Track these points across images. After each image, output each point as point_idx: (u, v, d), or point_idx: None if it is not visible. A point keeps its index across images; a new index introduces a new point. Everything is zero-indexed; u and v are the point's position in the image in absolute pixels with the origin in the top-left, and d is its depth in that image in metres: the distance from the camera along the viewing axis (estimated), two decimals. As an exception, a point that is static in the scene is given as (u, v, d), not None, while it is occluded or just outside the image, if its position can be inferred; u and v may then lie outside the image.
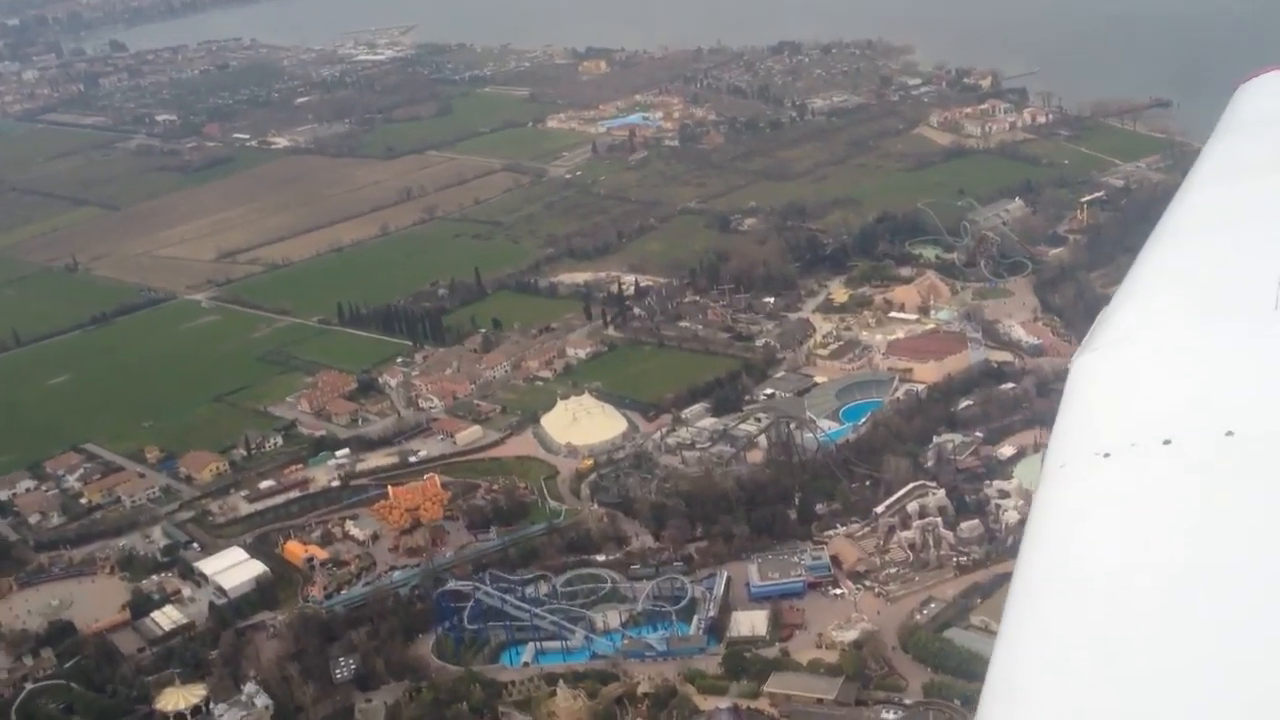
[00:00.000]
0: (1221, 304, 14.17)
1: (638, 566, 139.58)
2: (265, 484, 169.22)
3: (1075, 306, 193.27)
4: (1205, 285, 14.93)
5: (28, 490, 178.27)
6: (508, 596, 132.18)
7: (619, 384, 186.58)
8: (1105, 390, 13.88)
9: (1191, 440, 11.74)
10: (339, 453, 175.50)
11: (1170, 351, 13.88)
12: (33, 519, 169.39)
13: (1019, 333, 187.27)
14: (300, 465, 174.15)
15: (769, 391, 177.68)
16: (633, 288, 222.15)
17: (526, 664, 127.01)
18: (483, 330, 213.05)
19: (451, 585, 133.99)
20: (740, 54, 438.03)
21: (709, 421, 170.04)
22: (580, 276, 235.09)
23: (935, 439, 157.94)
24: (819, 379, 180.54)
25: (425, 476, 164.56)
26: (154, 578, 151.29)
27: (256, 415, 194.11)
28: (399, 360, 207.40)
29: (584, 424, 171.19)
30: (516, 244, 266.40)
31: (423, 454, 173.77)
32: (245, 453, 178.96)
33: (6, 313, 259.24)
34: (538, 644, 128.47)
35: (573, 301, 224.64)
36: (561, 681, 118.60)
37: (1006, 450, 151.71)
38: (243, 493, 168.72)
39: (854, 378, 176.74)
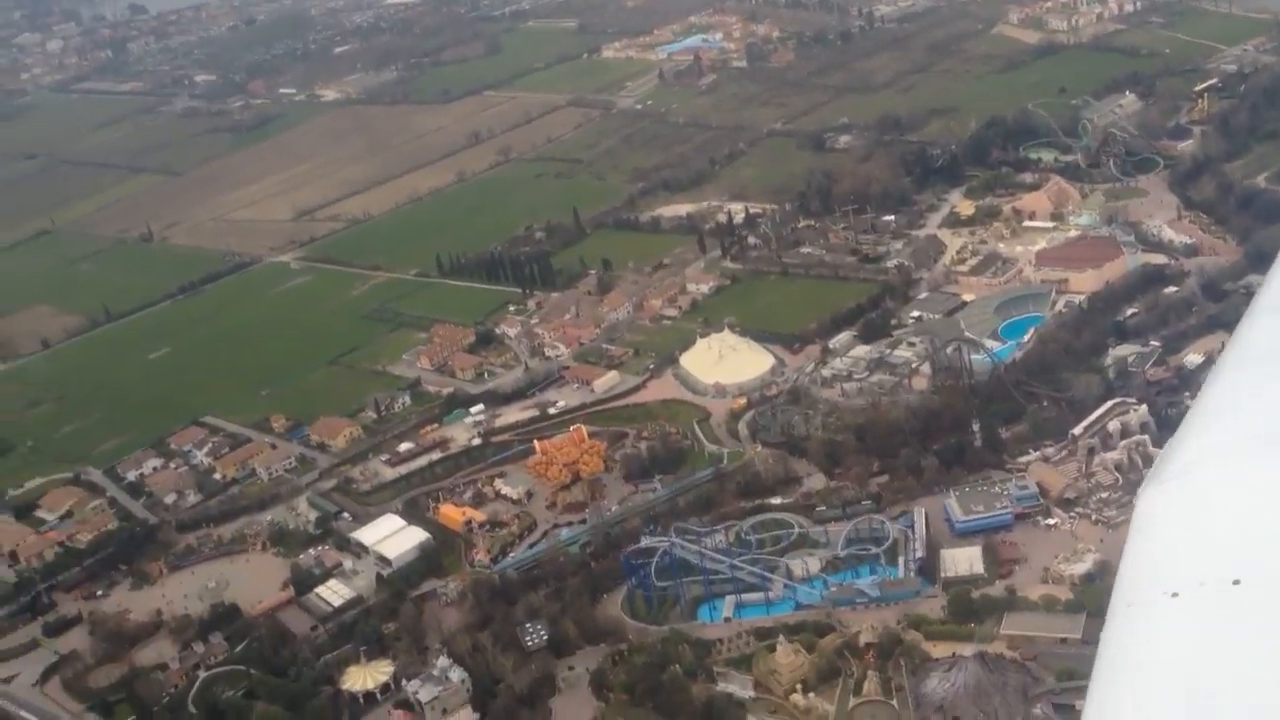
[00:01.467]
0: None
1: (823, 509, 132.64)
2: (404, 447, 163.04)
3: (1219, 201, 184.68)
4: (1271, 418, 14.40)
5: (155, 469, 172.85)
6: (704, 549, 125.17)
7: (751, 317, 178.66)
8: (1173, 526, 13.53)
9: (1260, 580, 11.50)
10: (473, 409, 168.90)
11: (1237, 487, 13.44)
12: (168, 499, 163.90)
13: (1168, 233, 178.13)
14: (435, 425, 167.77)
15: (916, 314, 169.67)
16: (742, 217, 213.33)
17: (728, 619, 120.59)
18: (592, 271, 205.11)
19: (645, 541, 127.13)
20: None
21: (861, 350, 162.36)
22: (681, 209, 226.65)
23: (1110, 352, 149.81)
24: (966, 297, 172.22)
25: (571, 428, 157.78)
26: (310, 552, 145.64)
27: (375, 376, 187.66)
28: (511, 309, 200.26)
29: (729, 361, 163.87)
30: (602, 181, 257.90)
31: (561, 404, 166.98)
32: (375, 415, 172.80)
33: (91, 288, 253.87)
34: (737, 597, 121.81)
35: (678, 235, 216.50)
36: (782, 637, 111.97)
37: (1194, 358, 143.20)
38: (382, 457, 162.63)
39: (1009, 293, 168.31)
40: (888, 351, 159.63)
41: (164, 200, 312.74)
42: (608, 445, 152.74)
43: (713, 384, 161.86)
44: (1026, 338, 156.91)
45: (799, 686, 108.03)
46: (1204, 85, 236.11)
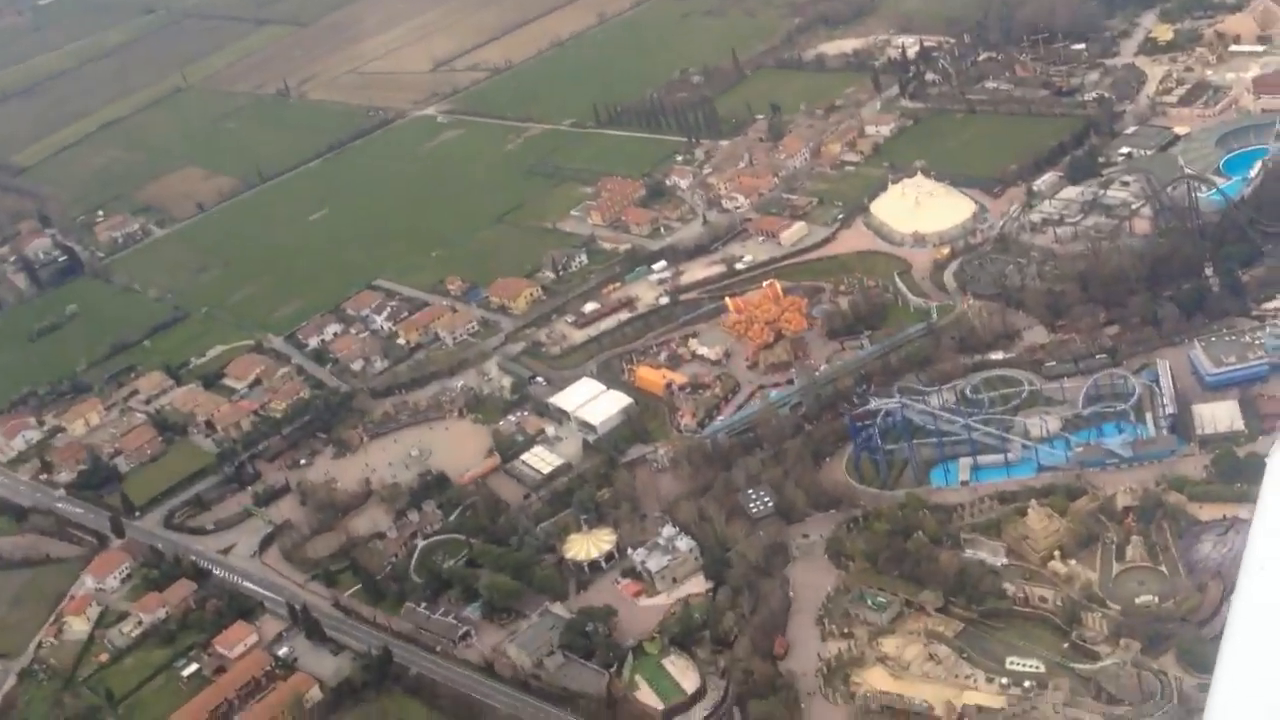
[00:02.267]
0: None
1: (1053, 364, 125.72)
2: (589, 307, 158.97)
3: None
4: None
5: (335, 335, 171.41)
6: (935, 409, 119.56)
7: (941, 160, 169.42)
8: None
9: None
10: (655, 266, 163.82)
11: None
12: (355, 365, 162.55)
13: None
14: (618, 283, 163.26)
15: (1125, 150, 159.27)
16: (916, 50, 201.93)
17: (965, 482, 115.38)
18: (760, 117, 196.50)
19: (874, 403, 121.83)
20: None
21: (1070, 192, 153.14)
22: (846, 45, 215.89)
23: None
24: (1179, 130, 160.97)
25: (764, 283, 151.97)
26: (510, 418, 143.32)
27: (545, 233, 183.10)
28: (679, 159, 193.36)
29: (926, 208, 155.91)
30: (754, 18, 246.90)
31: (748, 259, 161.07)
32: (553, 275, 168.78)
33: (236, 147, 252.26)
34: (973, 459, 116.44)
35: (846, 74, 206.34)
36: (1034, 501, 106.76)
37: None
38: (568, 318, 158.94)
39: (1229, 124, 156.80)
40: (1101, 192, 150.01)
41: (294, 53, 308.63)
42: (806, 301, 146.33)
43: (911, 233, 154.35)
44: (1254, 172, 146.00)
45: (1056, 553, 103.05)
46: None
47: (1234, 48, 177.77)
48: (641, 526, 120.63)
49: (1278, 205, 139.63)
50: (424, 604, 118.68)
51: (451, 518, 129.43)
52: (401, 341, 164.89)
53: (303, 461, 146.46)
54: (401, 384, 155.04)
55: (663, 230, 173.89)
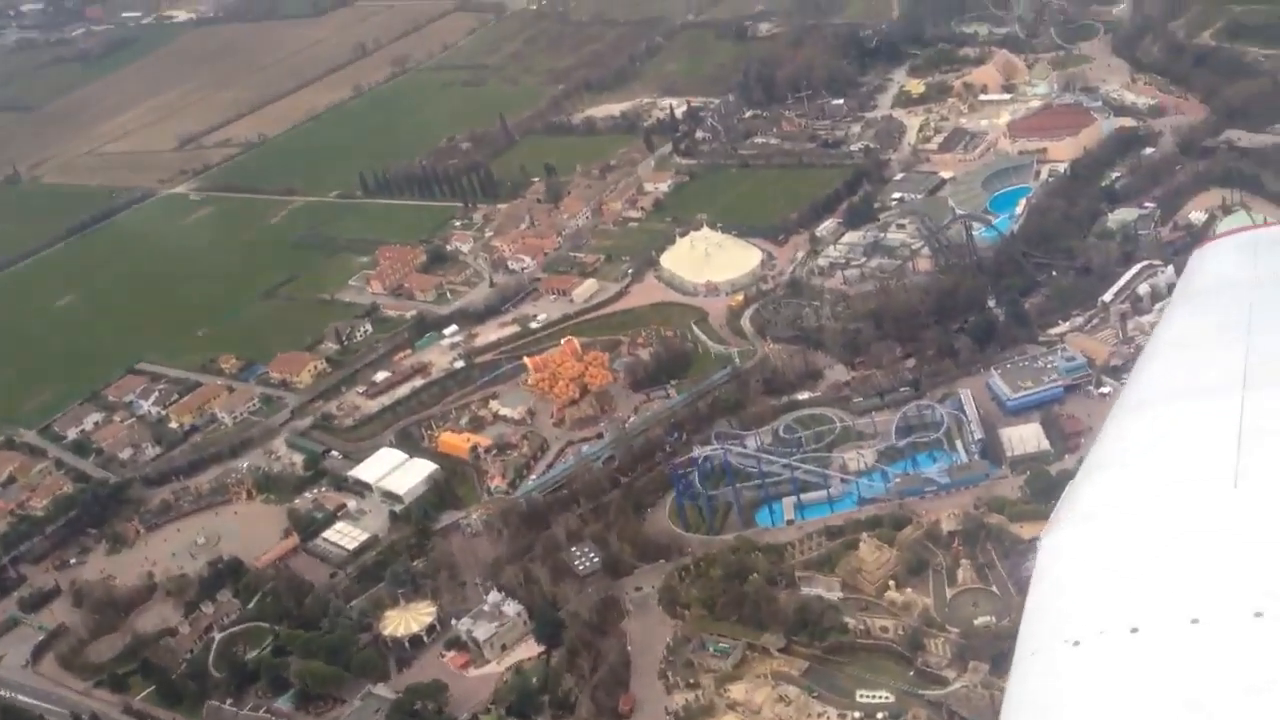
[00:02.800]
0: (1182, 483, 13.79)
1: (859, 399, 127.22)
2: (381, 376, 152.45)
3: (1171, 61, 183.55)
4: (1165, 463, 14.55)
5: (97, 424, 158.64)
6: (764, 453, 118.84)
7: (722, 212, 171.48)
8: (1073, 573, 13.69)
9: (1158, 629, 11.72)
10: (446, 331, 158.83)
11: (1134, 533, 13.61)
12: (123, 454, 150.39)
13: (1128, 96, 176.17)
14: (408, 350, 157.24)
15: (898, 195, 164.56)
16: (683, 111, 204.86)
17: (791, 521, 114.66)
18: (536, 179, 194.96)
19: (699, 451, 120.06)
20: None
21: (852, 236, 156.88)
22: (613, 108, 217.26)
23: (1110, 216, 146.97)
24: (944, 174, 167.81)
25: (562, 341, 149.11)
26: (306, 496, 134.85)
27: (323, 305, 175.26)
28: (457, 224, 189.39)
29: (717, 259, 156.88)
30: (517, 85, 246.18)
31: (542, 318, 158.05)
32: (338, 346, 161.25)
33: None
34: (796, 497, 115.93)
35: (615, 135, 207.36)
36: (865, 534, 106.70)
37: (1197, 215, 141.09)
38: (359, 389, 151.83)
39: (991, 166, 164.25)
40: (881, 235, 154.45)
41: (23, 138, 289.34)
42: (607, 355, 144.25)
43: (703, 283, 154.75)
44: (1019, 209, 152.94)
45: (890, 583, 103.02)
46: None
47: (983, 97, 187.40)
48: (462, 595, 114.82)
49: (1046, 239, 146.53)
50: (229, 700, 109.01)
51: (251, 605, 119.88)
52: (174, 425, 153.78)
53: (73, 561, 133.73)
54: (178, 469, 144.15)
55: (449, 295, 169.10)
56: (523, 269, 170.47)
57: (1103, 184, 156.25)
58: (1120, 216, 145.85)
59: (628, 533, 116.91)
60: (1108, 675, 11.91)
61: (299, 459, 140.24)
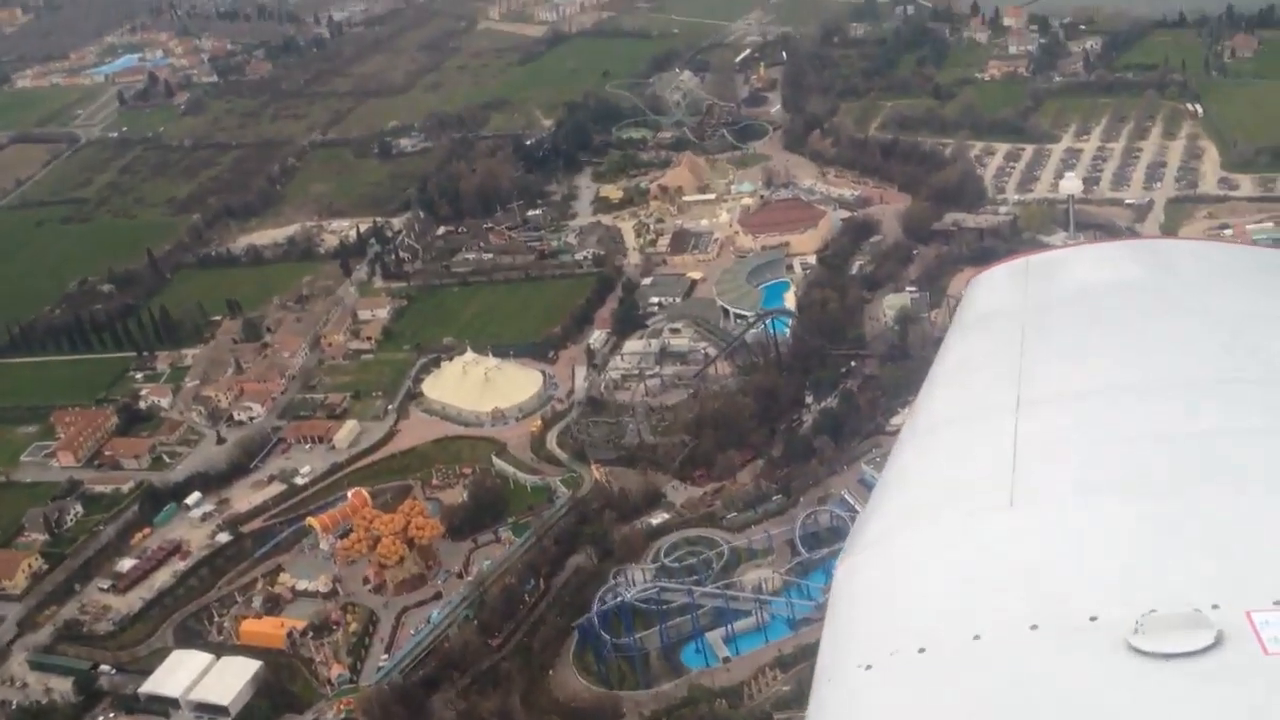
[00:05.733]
0: (963, 505, 14.24)
1: (733, 515, 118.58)
2: (127, 565, 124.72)
3: (856, 154, 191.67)
4: (948, 486, 15.12)
5: None
6: (665, 587, 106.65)
7: (469, 332, 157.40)
8: (865, 599, 14.01)
9: (943, 648, 12.19)
10: (189, 500, 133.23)
11: (921, 556, 14.03)
12: None
13: (832, 189, 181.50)
14: (147, 529, 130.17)
15: (655, 300, 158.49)
16: (367, 231, 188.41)
17: (727, 659, 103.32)
18: (217, 317, 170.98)
19: (613, 602, 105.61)
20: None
21: (635, 345, 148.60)
22: (274, 234, 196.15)
23: (884, 303, 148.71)
24: (693, 275, 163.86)
25: (349, 493, 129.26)
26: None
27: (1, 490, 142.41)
28: (139, 375, 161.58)
29: (498, 383, 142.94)
30: (134, 218, 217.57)
31: (307, 470, 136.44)
32: (47, 536, 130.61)
33: None
34: (726, 630, 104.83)
35: (289, 264, 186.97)
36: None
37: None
38: (100, 584, 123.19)
39: (746, 263, 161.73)
40: (667, 342, 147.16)
41: None
42: (425, 504, 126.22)
43: (489, 411, 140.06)
44: (790, 303, 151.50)
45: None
46: (742, 56, 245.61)
47: (687, 198, 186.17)
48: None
49: (825, 330, 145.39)
50: None
51: None
52: None
53: None
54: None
55: (167, 458, 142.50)
56: (252, 419, 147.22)
57: (856, 273, 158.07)
58: (893, 302, 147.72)
59: (542, 702, 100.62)
60: (898, 696, 12.07)
61: (61, 682, 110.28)
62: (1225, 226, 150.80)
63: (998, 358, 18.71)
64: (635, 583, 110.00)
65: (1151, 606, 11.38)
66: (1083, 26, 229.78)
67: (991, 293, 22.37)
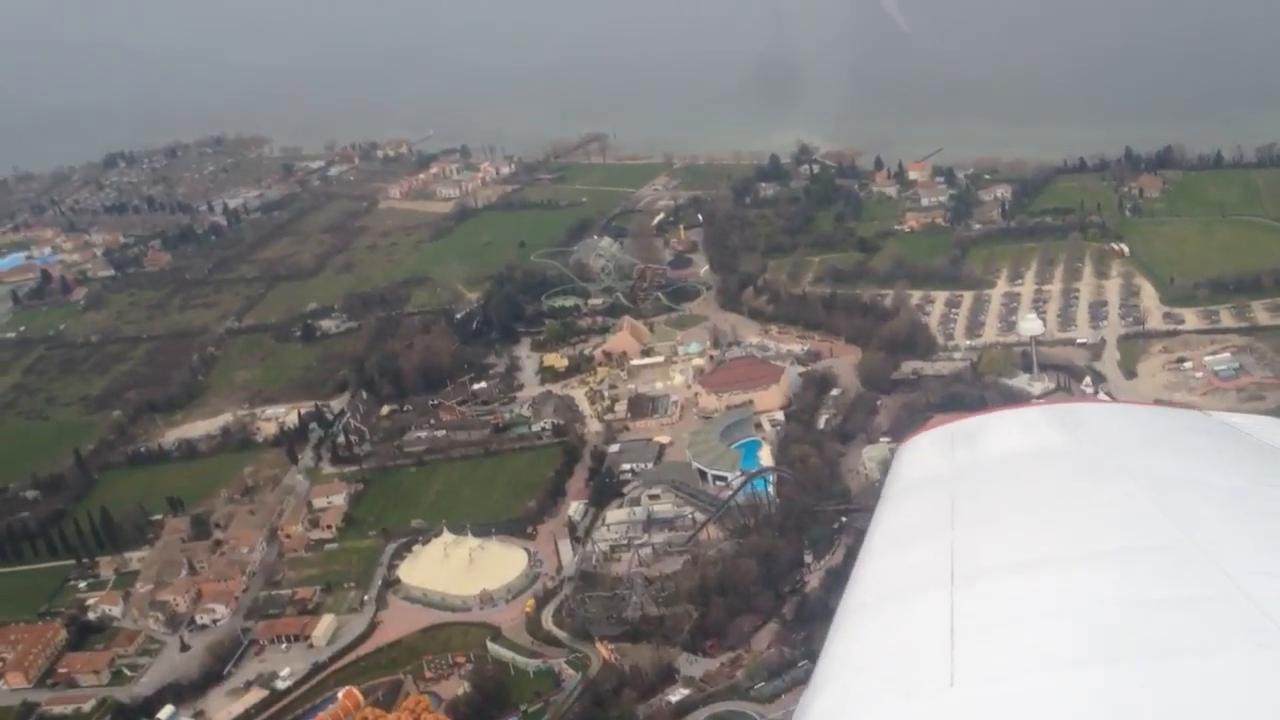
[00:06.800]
0: (904, 687, 14.85)
1: (761, 685, 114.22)
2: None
3: (798, 309, 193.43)
4: (886, 667, 15.76)
5: None
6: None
7: (435, 514, 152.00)
8: None
9: None
10: (163, 715, 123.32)
11: None
12: None
13: (781, 345, 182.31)
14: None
15: (628, 466, 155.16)
16: (309, 416, 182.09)
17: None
18: (157, 517, 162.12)
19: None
20: (66, 174, 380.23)
21: (619, 514, 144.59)
22: (206, 426, 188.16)
23: (864, 454, 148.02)
24: (660, 439, 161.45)
25: (340, 693, 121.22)
26: None
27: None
28: (83, 584, 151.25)
29: (481, 564, 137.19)
30: (46, 420, 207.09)
31: (287, 673, 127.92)
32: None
33: None
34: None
35: (226, 455, 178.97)
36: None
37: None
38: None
39: (715, 423, 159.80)
40: (652, 509, 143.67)
41: None
42: (427, 698, 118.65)
43: (476, 594, 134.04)
44: (766, 460, 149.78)
45: None
46: (658, 220, 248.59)
47: (635, 362, 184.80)
48: None
49: (820, 486, 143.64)
50: None
51: None
52: None
53: None
54: None
55: (128, 671, 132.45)
56: (216, 621, 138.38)
57: (823, 428, 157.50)
58: (873, 453, 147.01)
59: None
60: None
61: None
62: (1183, 360, 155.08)
63: (928, 529, 18.84)
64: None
65: None
66: (987, 176, 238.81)
67: (918, 461, 22.88)
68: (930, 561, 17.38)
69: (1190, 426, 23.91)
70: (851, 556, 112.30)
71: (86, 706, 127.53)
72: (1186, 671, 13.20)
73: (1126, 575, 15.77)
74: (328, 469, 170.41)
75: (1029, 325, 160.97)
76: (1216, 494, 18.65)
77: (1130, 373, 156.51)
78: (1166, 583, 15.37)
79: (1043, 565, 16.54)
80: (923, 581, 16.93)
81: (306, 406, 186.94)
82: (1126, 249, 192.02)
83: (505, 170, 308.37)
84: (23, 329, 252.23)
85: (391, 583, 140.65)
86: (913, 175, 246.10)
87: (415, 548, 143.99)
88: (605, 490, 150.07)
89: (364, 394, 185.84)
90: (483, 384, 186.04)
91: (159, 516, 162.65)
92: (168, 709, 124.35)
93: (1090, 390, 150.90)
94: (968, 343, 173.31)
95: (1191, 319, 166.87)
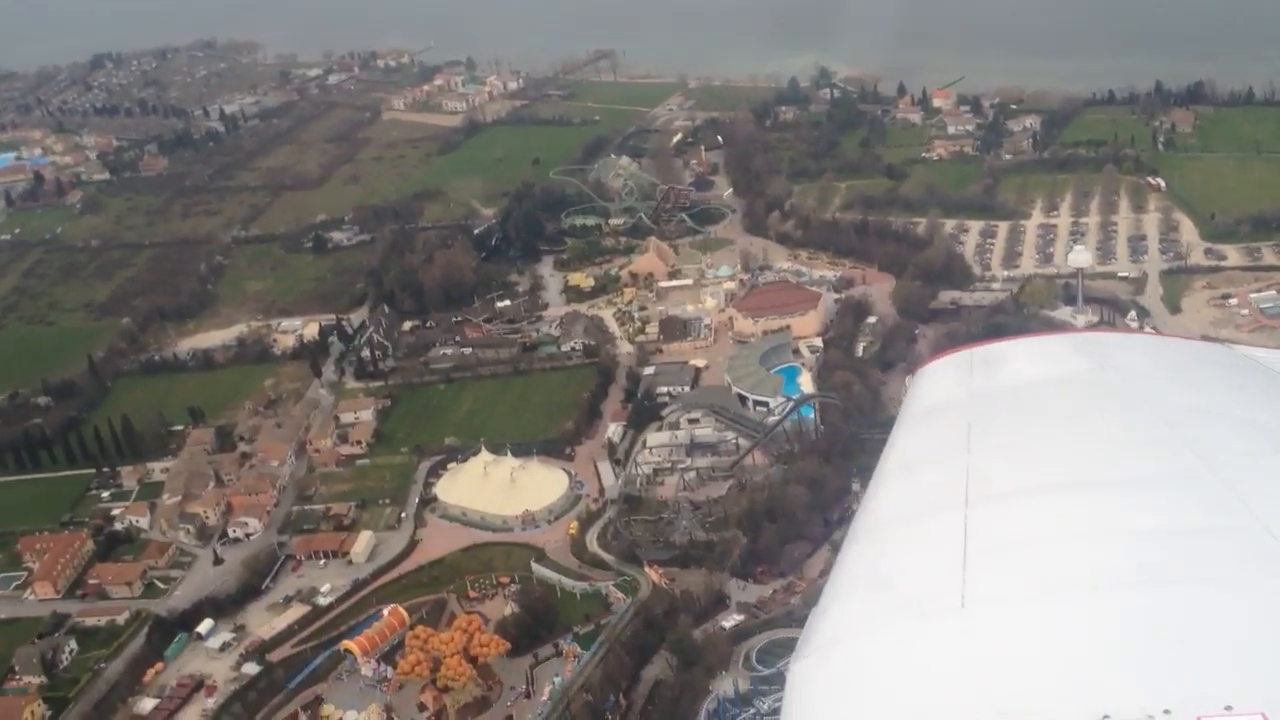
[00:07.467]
0: (914, 606, 14.71)
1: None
2: (148, 706, 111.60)
3: (827, 236, 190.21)
4: (898, 586, 15.57)
5: None
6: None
7: (469, 432, 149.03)
8: (820, 701, 14.41)
9: None
10: (202, 629, 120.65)
11: (873, 658, 14.51)
12: None
13: (814, 271, 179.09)
14: (160, 664, 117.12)
15: (664, 389, 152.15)
16: (330, 330, 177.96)
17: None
18: (179, 427, 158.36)
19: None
20: (51, 74, 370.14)
21: (661, 437, 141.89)
22: (221, 336, 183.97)
23: (907, 381, 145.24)
24: (696, 363, 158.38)
25: (385, 610, 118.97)
26: None
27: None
28: (105, 494, 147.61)
29: (523, 484, 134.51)
30: (51, 325, 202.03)
31: (328, 589, 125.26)
32: (43, 679, 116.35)
33: None
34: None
35: (243, 367, 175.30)
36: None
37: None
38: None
39: (758, 346, 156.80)
40: (694, 432, 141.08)
41: None
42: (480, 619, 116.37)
43: (518, 515, 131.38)
44: (805, 387, 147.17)
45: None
46: (676, 140, 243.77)
47: (664, 284, 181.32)
48: None
49: (863, 412, 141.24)
50: None
51: None
52: None
53: None
54: None
55: (160, 584, 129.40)
56: (249, 535, 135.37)
57: (861, 356, 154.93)
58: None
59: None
60: None
61: None
62: (1228, 296, 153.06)
63: (945, 453, 18.95)
64: (730, 692, 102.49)
65: (1104, 712, 11.24)
66: (1014, 106, 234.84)
67: (937, 386, 23.26)
68: (945, 485, 17.24)
69: (1213, 359, 23.62)
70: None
71: (120, 618, 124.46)
72: (1200, 599, 12.94)
73: (1143, 504, 15.53)
74: (352, 384, 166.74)
75: (1078, 257, 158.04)
76: (1237, 425, 18.38)
77: (1175, 308, 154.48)
78: (1184, 512, 15.16)
79: (1058, 491, 16.35)
80: (937, 504, 16.84)
81: (324, 319, 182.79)
82: (1163, 183, 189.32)
83: (512, 85, 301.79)
84: (17, 231, 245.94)
85: (428, 500, 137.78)
86: (937, 103, 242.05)
87: (452, 466, 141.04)
88: (643, 413, 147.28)
89: (385, 308, 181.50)
90: (507, 302, 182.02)
91: (180, 427, 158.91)
92: (207, 623, 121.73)
93: (1135, 325, 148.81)
94: (1005, 274, 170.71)
95: (1234, 255, 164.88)
